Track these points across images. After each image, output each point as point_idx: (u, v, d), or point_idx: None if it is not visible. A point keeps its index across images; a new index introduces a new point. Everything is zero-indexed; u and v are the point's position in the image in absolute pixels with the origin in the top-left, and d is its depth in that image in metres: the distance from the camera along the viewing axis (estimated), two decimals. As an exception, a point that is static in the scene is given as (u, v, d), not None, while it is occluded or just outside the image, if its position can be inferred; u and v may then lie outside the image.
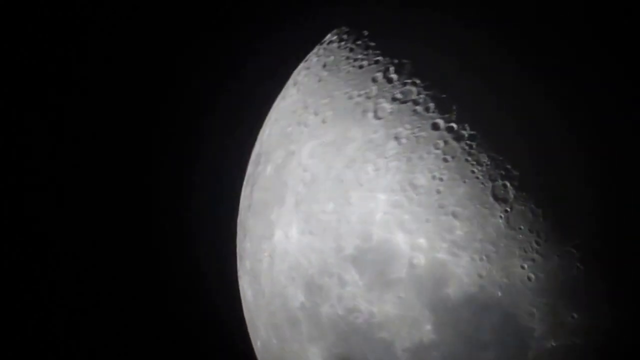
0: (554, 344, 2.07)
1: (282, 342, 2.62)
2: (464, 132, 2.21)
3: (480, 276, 2.13)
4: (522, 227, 2.11)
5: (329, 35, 2.78)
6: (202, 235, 3.49)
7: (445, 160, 2.21)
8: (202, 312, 3.53)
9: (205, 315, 3.53)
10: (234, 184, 2.89)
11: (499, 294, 2.11)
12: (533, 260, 2.09)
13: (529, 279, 2.09)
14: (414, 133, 2.27)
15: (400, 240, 2.24)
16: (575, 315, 2.06)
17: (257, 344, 2.85)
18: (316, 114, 2.54)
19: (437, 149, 2.23)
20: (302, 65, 2.82)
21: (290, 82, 2.86)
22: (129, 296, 3.52)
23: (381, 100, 2.38)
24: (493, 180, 2.15)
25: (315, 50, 2.78)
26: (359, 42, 2.59)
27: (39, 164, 3.57)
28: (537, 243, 2.10)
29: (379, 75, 2.44)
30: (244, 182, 2.95)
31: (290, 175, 2.55)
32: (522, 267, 2.10)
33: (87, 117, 3.62)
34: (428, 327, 2.22)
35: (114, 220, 3.66)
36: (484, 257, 2.13)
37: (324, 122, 2.49)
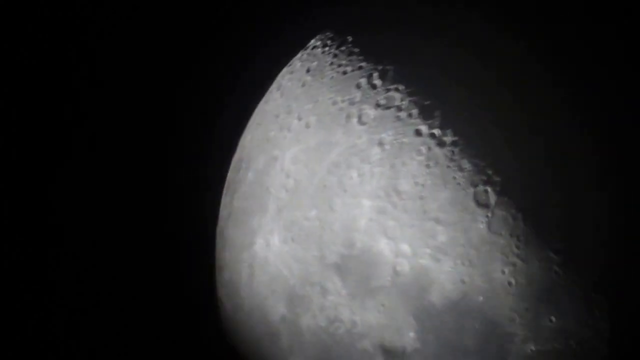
0: (533, 348, 2.25)
1: (262, 357, 2.65)
2: (446, 138, 2.36)
3: (463, 282, 2.30)
4: (502, 232, 2.27)
5: (312, 41, 2.95)
6: (181, 245, 3.48)
7: (427, 166, 2.34)
8: (180, 325, 3.51)
9: (183, 328, 3.50)
10: (214, 191, 2.93)
11: (481, 299, 2.25)
12: (514, 265, 2.26)
13: (510, 284, 2.25)
14: (397, 139, 2.39)
15: (384, 246, 2.36)
16: (554, 319, 2.23)
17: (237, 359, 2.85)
18: (300, 118, 2.67)
19: (420, 155, 2.38)
20: (285, 69, 2.94)
21: (273, 86, 2.99)
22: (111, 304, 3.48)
23: (365, 106, 2.54)
24: (474, 185, 2.31)
25: (299, 55, 2.94)
26: (342, 48, 2.77)
27: (35, 165, 3.51)
28: (517, 247, 2.27)
29: (363, 81, 2.60)
30: (224, 190, 3.00)
31: (273, 181, 2.67)
32: (503, 272, 2.25)
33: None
34: (411, 334, 2.33)
35: (105, 223, 3.62)
36: (467, 263, 2.30)
37: (307, 127, 2.62)
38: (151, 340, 3.65)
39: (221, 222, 3.06)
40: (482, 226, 2.35)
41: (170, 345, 3.63)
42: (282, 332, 2.62)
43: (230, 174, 3.11)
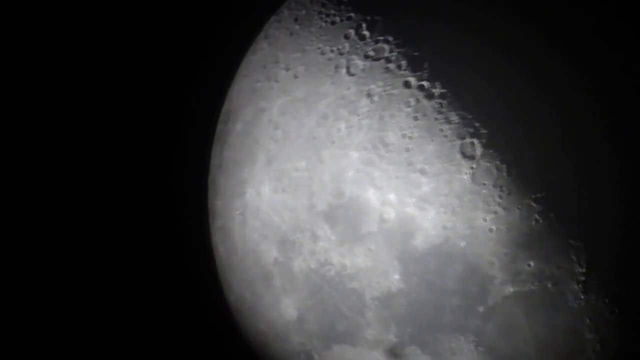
0: (511, 290, 2.26)
1: (255, 296, 2.72)
2: (434, 90, 2.28)
3: (445, 228, 2.26)
4: (486, 182, 2.24)
5: (300, -12, 2.72)
6: (173, 194, 3.46)
7: (415, 118, 2.27)
8: (174, 269, 3.58)
9: (177, 272, 3.58)
10: (204, 142, 2.86)
11: (463, 244, 2.26)
12: (495, 213, 2.24)
13: (491, 230, 2.24)
14: (385, 91, 2.31)
15: (371, 196, 2.33)
16: (532, 264, 2.24)
17: (231, 299, 2.94)
18: (287, 69, 2.53)
19: (408, 107, 2.29)
20: (273, 17, 2.76)
21: (261, 35, 2.81)
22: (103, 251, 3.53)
23: (354, 56, 2.40)
24: (461, 138, 2.24)
25: (286, 3, 2.72)
26: (331, -3, 2.57)
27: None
28: (499, 197, 2.24)
29: (352, 32, 2.44)
30: (214, 140, 2.93)
31: (261, 133, 2.56)
32: (485, 220, 2.24)
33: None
34: (396, 276, 2.36)
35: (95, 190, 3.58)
36: (449, 211, 2.26)
37: (295, 77, 2.49)
38: (147, 284, 3.76)
39: (212, 172, 2.94)
40: (466, 177, 2.26)
41: (165, 288, 3.73)
42: (275, 274, 2.58)
43: (219, 125, 2.94)
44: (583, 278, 2.27)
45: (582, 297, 2.28)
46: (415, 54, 2.31)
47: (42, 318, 3.59)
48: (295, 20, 2.65)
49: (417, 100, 2.30)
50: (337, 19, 2.51)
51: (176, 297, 3.62)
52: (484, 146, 2.25)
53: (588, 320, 2.30)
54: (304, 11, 2.63)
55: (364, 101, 2.35)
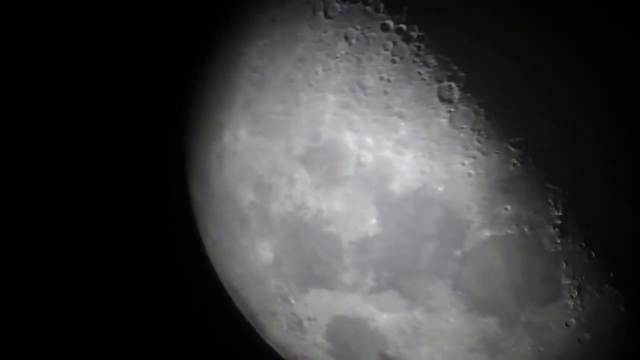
0: (488, 234, 2.15)
1: (231, 239, 2.62)
2: (413, 33, 2.15)
3: (423, 173, 2.14)
4: (464, 126, 2.13)
5: None
6: (148, 139, 3.35)
7: (393, 61, 2.16)
8: (151, 212, 3.48)
9: (154, 216, 3.48)
10: (181, 86, 2.75)
11: (440, 189, 2.16)
12: (474, 157, 2.11)
13: (469, 174, 2.13)
14: (364, 33, 2.21)
15: (349, 139, 2.23)
16: (509, 208, 2.16)
17: (208, 243, 2.85)
18: (265, 13, 2.41)
19: (386, 50, 2.16)
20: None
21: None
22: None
23: (332, -2, 2.28)
24: (439, 81, 2.13)
25: None
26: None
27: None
28: (478, 141, 2.12)
29: (330, -28, 2.32)
30: (192, 85, 2.82)
31: (239, 76, 2.42)
32: (463, 164, 2.13)
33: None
34: (373, 221, 2.26)
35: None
36: (427, 155, 2.12)
37: (273, 20, 2.36)
38: (124, 227, 3.66)
39: (190, 116, 2.75)
40: (444, 120, 2.12)
41: (143, 231, 3.62)
42: (252, 217, 2.46)
43: (194, 70, 2.77)
44: (560, 222, 2.17)
45: (559, 240, 2.19)
46: (394, -6, 2.20)
47: (37, 314, 3.54)
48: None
49: (395, 43, 2.16)
50: (315, -42, 2.39)
51: (153, 241, 3.53)
52: (462, 89, 2.12)
53: (565, 265, 2.23)
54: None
55: (342, 44, 2.20)
